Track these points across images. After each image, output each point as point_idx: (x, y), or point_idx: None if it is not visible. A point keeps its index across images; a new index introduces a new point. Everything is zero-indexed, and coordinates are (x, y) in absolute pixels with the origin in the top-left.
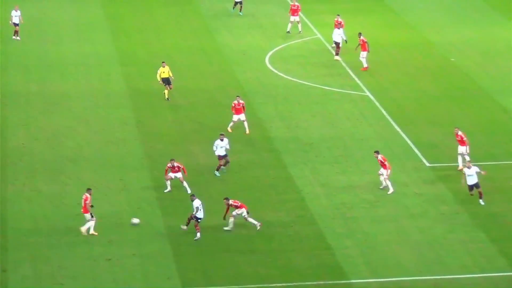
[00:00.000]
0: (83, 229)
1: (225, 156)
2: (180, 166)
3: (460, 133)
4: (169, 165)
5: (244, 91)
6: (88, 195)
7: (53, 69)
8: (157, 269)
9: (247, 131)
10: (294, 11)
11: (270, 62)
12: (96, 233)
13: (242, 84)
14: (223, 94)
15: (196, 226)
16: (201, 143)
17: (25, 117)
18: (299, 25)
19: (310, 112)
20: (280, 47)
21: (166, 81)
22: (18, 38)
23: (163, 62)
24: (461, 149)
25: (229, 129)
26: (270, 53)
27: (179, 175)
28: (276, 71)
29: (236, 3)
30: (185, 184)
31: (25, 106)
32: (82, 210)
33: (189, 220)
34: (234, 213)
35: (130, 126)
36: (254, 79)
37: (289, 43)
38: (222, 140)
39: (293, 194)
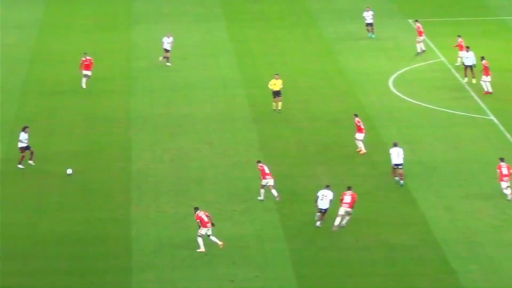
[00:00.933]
0: (220, 243)
1: (398, 165)
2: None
3: None
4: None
5: (367, 113)
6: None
7: (178, 92)
8: None
9: (363, 151)
10: (420, 32)
11: (394, 85)
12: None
13: (365, 106)
14: (346, 116)
15: (320, 216)
16: (324, 165)
17: (151, 140)
18: (420, 45)
19: (434, 135)
20: (403, 70)
21: (277, 94)
22: (169, 64)
23: (276, 75)
24: None
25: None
26: (394, 76)
27: (271, 182)
28: (399, 94)
29: (367, 24)
30: (273, 191)
31: (151, 129)
32: (206, 225)
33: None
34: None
35: (254, 148)
36: (378, 102)
37: (413, 66)
38: (395, 146)
39: (417, 218)
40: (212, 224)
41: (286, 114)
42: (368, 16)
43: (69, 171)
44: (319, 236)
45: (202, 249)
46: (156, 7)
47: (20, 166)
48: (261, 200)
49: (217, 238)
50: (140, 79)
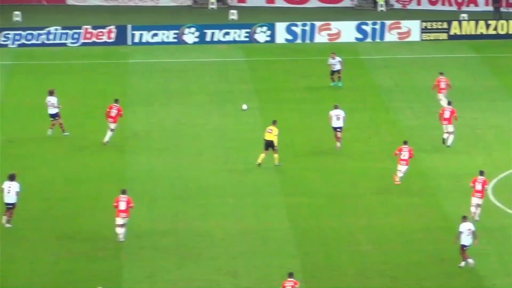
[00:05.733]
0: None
1: None
2: None
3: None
4: None
5: (457, 233)
6: None
7: (190, 201)
8: None
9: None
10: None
11: (494, 194)
12: None
13: (453, 223)
14: (427, 236)
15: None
16: None
17: (150, 269)
18: (451, 138)
19: None
20: (509, 172)
21: (270, 144)
22: None
23: (274, 121)
24: None
25: None
26: (495, 180)
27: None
28: (502, 207)
29: (333, 72)
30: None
31: (150, 253)
32: None
33: None
34: None
35: (295, 278)
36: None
37: None
38: None
39: None
40: None
41: (343, 232)
42: (335, 64)
43: (245, 106)
44: None
45: None
46: (161, 82)
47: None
48: None
49: None
50: (138, 182)
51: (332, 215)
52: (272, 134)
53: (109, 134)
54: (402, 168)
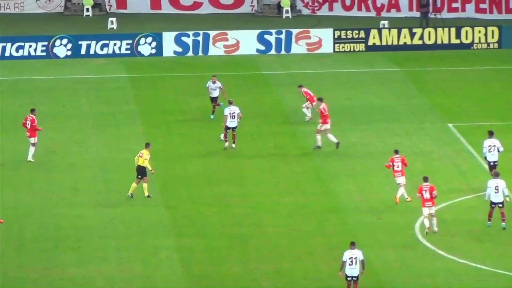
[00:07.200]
0: None
1: None
2: None
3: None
4: None
5: (380, 279)
6: None
7: (64, 249)
8: None
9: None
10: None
11: (423, 233)
12: None
13: (376, 267)
14: None
15: None
16: None
17: None
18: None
19: None
20: (440, 206)
21: (141, 171)
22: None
23: (147, 143)
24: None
25: None
26: (422, 218)
27: None
28: (432, 247)
29: (212, 99)
30: None
31: None
32: None
33: None
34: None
35: None
36: (396, 258)
37: (457, 199)
38: None
39: None
40: None
41: (246, 279)
42: (214, 90)
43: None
44: None
45: None
46: (27, 103)
47: None
48: None
49: None
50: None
51: (233, 259)
52: (142, 158)
53: (30, 150)
54: (400, 181)
